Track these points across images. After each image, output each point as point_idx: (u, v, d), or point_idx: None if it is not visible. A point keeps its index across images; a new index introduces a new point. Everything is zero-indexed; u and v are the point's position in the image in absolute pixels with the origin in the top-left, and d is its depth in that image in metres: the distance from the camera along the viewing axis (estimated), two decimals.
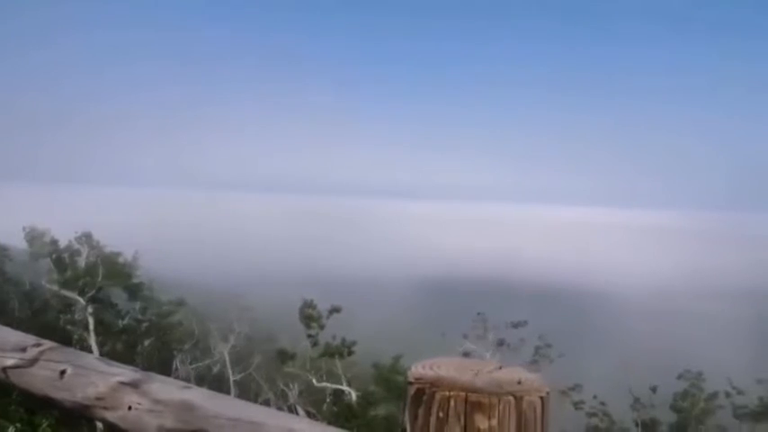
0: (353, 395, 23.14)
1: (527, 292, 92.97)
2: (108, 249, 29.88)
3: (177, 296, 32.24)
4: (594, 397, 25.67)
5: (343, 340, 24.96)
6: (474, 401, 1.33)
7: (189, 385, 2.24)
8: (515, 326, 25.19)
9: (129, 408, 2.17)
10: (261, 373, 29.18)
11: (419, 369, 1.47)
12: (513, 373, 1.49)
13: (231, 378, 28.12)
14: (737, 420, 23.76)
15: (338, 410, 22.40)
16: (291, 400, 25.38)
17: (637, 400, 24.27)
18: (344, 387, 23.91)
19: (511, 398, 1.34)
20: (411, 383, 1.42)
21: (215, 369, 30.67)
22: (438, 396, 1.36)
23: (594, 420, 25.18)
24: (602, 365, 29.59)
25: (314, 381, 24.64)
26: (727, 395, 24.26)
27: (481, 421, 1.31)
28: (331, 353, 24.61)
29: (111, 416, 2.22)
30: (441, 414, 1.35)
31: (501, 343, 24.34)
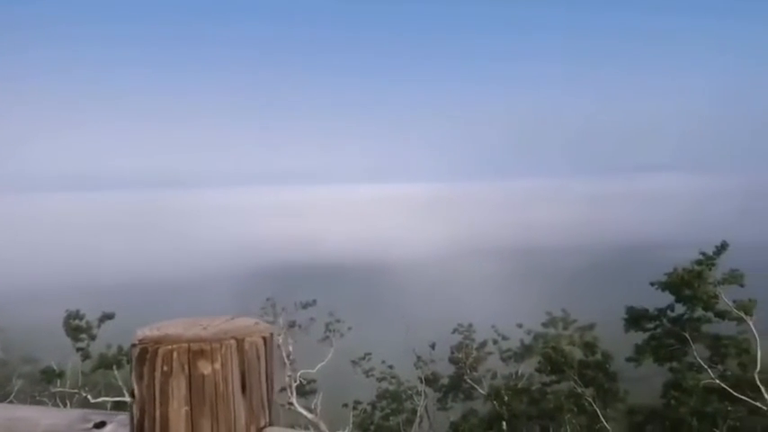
0: None
1: (322, 271, 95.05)
2: None
3: None
4: (383, 362, 27.43)
5: (120, 349, 23.28)
6: (196, 350, 1.39)
7: None
8: (305, 306, 25.69)
9: None
10: (25, 398, 26.17)
11: (144, 331, 1.49)
12: (243, 322, 1.59)
13: None
14: (504, 363, 26.92)
15: None
16: None
17: (419, 358, 26.35)
18: (126, 398, 22.43)
19: (232, 341, 1.43)
20: (134, 345, 1.44)
21: None
22: (161, 351, 1.40)
23: (384, 384, 26.98)
24: (388, 332, 31.49)
25: (89, 397, 22.64)
26: (495, 342, 27.36)
27: (204, 367, 1.39)
28: (107, 364, 22.87)
29: None
30: (165, 368, 1.39)
31: (292, 325, 24.65)
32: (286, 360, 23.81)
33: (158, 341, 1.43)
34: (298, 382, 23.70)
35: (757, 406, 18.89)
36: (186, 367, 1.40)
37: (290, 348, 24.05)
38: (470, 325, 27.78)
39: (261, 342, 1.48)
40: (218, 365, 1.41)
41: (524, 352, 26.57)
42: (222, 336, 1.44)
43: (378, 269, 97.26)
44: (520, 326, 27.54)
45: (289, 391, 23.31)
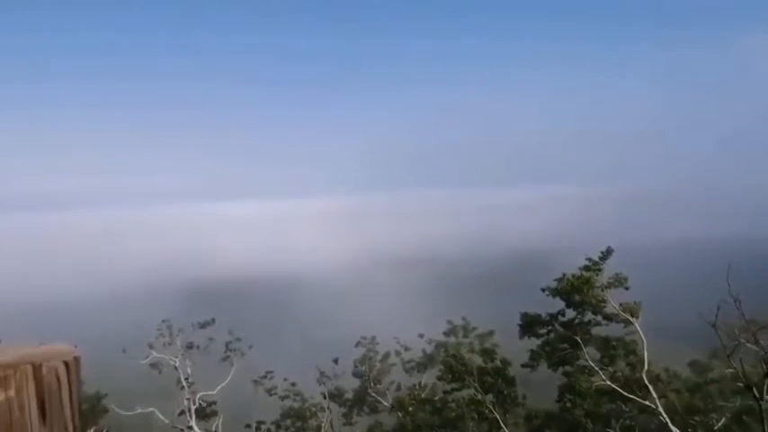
0: None
1: (225, 289, 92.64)
2: None
3: None
4: (285, 380, 26.88)
5: None
6: None
7: None
8: (203, 326, 24.87)
9: None
10: None
11: None
12: (49, 348, 1.49)
13: None
14: (407, 373, 27.12)
15: None
16: None
17: (322, 373, 26.09)
18: None
19: (28, 367, 1.34)
20: None
21: None
22: None
23: (288, 402, 26.43)
24: (291, 349, 31.08)
25: None
26: (398, 353, 27.53)
27: None
28: None
29: None
30: None
31: (190, 346, 23.80)
32: (184, 383, 22.97)
33: None
34: (197, 404, 22.91)
35: (646, 404, 19.88)
36: None
37: (189, 371, 23.24)
38: (374, 337, 27.87)
39: (62, 367, 1.39)
40: (12, 392, 1.32)
41: (427, 362, 26.91)
42: (19, 362, 1.35)
43: (280, 285, 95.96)
44: (421, 336, 27.91)
45: (188, 414, 22.50)
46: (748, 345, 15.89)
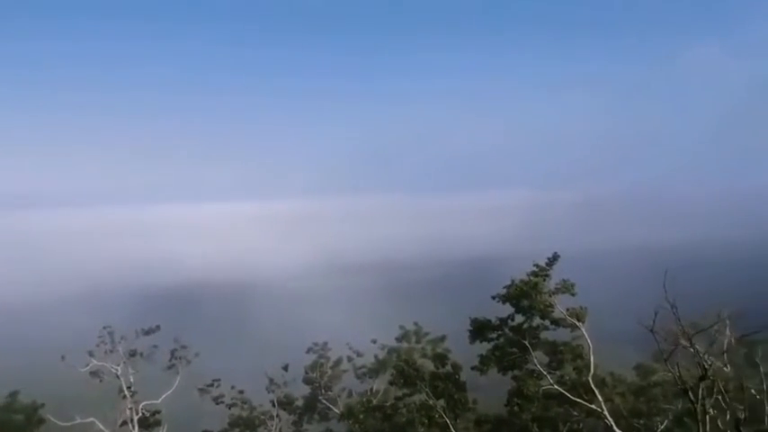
0: None
1: (173, 294, 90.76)
2: None
3: None
4: (233, 387, 26.30)
5: None
6: None
7: None
8: (147, 333, 24.07)
9: None
10: None
11: None
12: None
13: None
14: (359, 380, 26.92)
15: None
16: None
17: (271, 381, 25.64)
18: None
19: None
20: None
21: None
22: None
23: (236, 410, 25.86)
24: (240, 356, 30.50)
25: None
26: (350, 359, 27.32)
27: None
28: None
29: None
30: None
31: (133, 354, 23.04)
32: (126, 391, 22.27)
33: None
34: (140, 414, 22.23)
35: (593, 408, 20.17)
36: None
37: (131, 379, 22.54)
38: (325, 343, 27.59)
39: None
40: None
41: (379, 367, 26.78)
42: None
43: (233, 290, 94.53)
44: (374, 341, 27.76)
45: (131, 424, 21.83)
46: (689, 349, 16.29)
